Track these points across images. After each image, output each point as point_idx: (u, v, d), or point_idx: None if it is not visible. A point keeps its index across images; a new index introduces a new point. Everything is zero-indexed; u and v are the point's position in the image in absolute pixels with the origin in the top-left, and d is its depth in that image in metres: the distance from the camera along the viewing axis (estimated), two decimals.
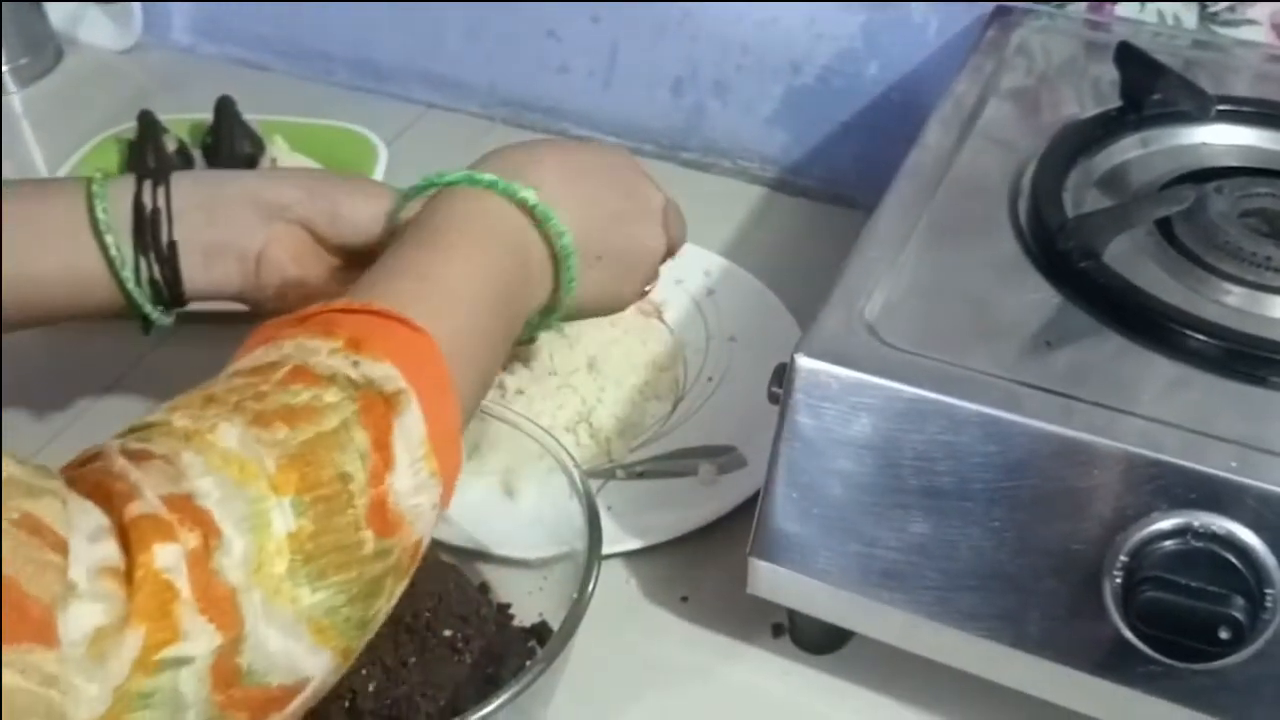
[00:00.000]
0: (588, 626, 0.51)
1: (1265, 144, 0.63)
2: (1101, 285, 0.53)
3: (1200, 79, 0.64)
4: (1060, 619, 0.49)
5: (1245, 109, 0.64)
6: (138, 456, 0.37)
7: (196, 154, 0.90)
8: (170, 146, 0.89)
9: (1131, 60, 0.64)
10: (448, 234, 0.50)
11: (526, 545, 0.60)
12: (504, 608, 0.58)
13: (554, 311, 0.55)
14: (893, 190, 0.61)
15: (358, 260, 0.62)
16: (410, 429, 0.41)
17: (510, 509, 0.64)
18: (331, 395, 0.40)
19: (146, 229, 0.58)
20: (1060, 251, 0.54)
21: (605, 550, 0.54)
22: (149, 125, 0.89)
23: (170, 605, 0.34)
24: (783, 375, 0.51)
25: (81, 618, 0.32)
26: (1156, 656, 0.46)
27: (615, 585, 0.62)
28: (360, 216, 0.60)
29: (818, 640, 0.59)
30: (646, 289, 0.60)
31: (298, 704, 0.39)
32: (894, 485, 0.50)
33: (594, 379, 0.70)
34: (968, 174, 0.62)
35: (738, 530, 0.59)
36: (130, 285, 0.58)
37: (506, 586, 0.60)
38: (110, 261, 0.57)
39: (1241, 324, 0.51)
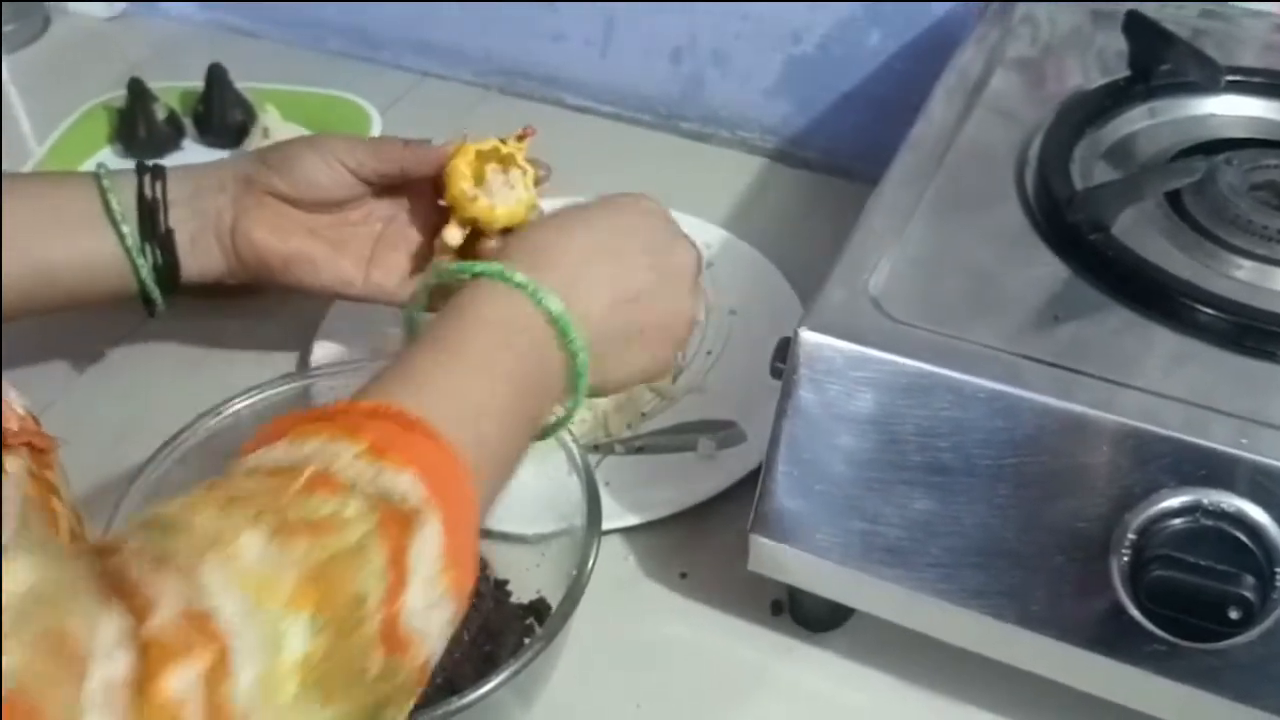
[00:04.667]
0: (586, 603, 0.50)
1: (1275, 115, 0.62)
2: (1110, 258, 0.52)
3: (1209, 49, 0.63)
4: (1066, 597, 0.48)
5: (1255, 80, 0.63)
6: (156, 563, 0.35)
7: (187, 122, 0.89)
8: (160, 115, 0.87)
9: (1140, 30, 0.63)
10: (474, 340, 0.48)
11: (524, 521, 0.60)
12: (501, 584, 0.58)
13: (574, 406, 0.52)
14: (897, 162, 0.60)
15: (342, 214, 0.66)
16: (427, 545, 0.39)
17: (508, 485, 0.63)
18: (352, 508, 0.38)
19: (148, 218, 0.62)
20: (1069, 224, 0.53)
21: (604, 526, 0.54)
22: (139, 94, 0.87)
23: None
24: (786, 350, 0.50)
25: None
26: (1164, 635, 0.46)
27: (614, 562, 0.61)
28: (312, 164, 0.64)
29: (818, 617, 0.58)
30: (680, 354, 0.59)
31: None
32: (897, 461, 0.49)
33: None
34: (973, 145, 0.61)
35: (737, 506, 0.58)
36: (143, 270, 0.62)
37: (504, 563, 0.59)
38: (127, 249, 0.62)
39: (1252, 298, 0.50)
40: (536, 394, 0.49)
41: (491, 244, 0.62)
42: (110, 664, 0.32)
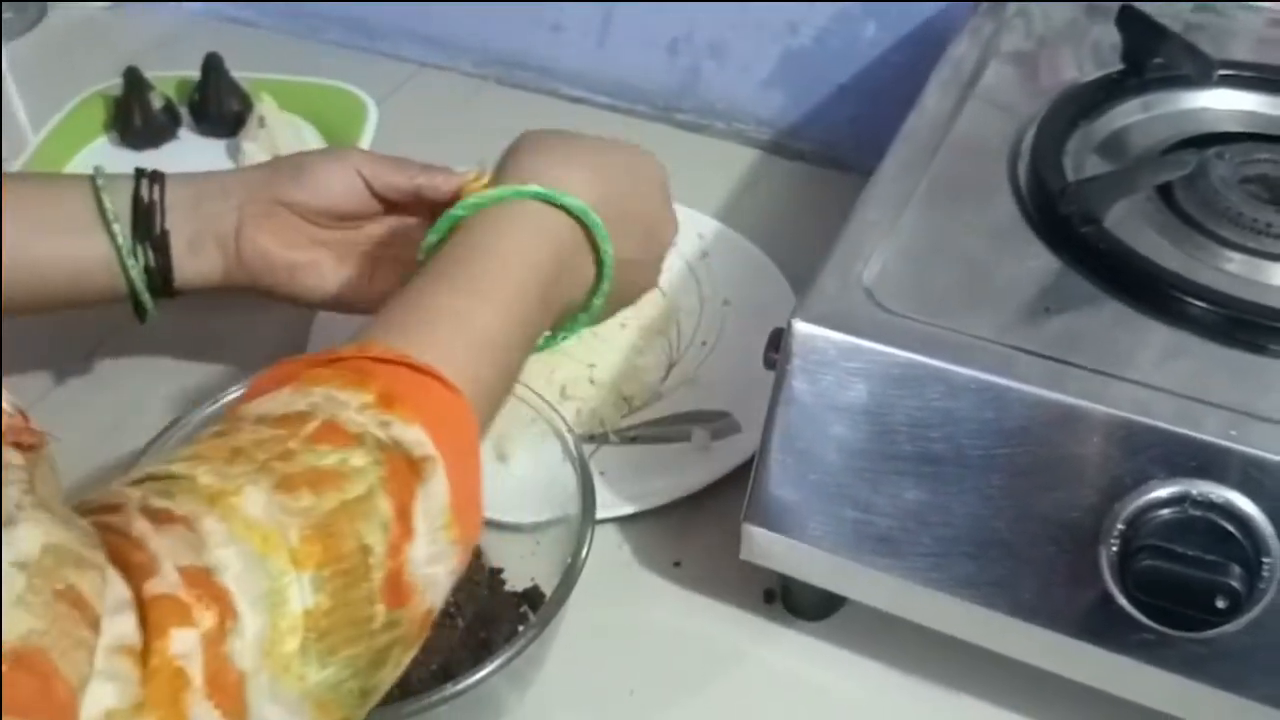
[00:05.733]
0: (579, 591, 0.51)
1: (1266, 109, 0.63)
2: (1102, 251, 0.52)
3: (1202, 43, 0.63)
4: (1056, 586, 0.48)
5: (1247, 74, 0.63)
6: (159, 518, 0.35)
7: (183, 112, 0.89)
8: (156, 104, 0.87)
9: (1133, 23, 0.64)
10: (485, 270, 0.49)
11: (519, 510, 0.60)
12: (496, 572, 0.58)
13: (583, 315, 0.56)
14: (891, 154, 0.60)
15: (347, 230, 0.64)
16: (434, 497, 0.40)
17: (503, 474, 0.63)
18: (359, 458, 0.39)
19: (143, 220, 0.61)
20: (1061, 216, 0.53)
21: (598, 515, 0.54)
22: (135, 83, 0.87)
23: (181, 694, 0.33)
24: (780, 340, 0.51)
25: (97, 699, 0.31)
26: (1152, 625, 0.46)
27: (607, 550, 0.62)
28: (330, 173, 0.62)
29: (810, 606, 0.58)
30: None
31: None
32: (890, 451, 0.50)
33: (586, 344, 0.69)
34: (967, 138, 0.61)
35: (731, 496, 0.59)
36: (134, 272, 0.61)
37: (498, 551, 0.60)
38: (118, 250, 0.61)
39: (1242, 291, 0.51)
40: (550, 301, 0.51)
41: None
42: (114, 625, 0.32)
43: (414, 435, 0.40)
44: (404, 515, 0.39)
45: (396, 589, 0.38)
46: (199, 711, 0.33)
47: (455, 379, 0.43)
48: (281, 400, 0.40)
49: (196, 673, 0.33)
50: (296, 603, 0.36)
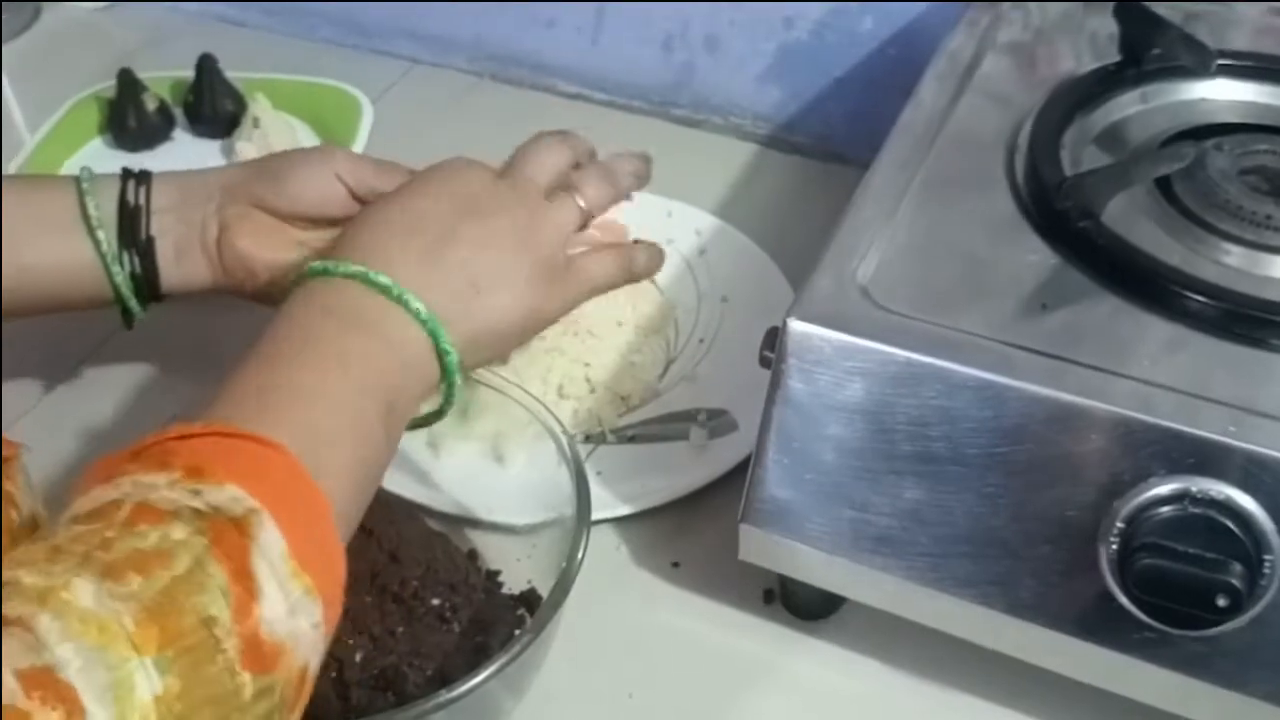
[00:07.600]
0: (577, 593, 0.51)
1: (1266, 100, 0.62)
2: (1100, 246, 0.52)
3: (1200, 33, 0.63)
4: (1055, 585, 0.48)
5: (1246, 64, 0.63)
6: None
7: (178, 113, 0.89)
8: (150, 105, 0.87)
9: (1131, 14, 0.63)
10: (292, 336, 0.48)
11: (515, 511, 0.60)
12: (493, 575, 0.58)
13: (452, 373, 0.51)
14: (887, 147, 0.60)
15: (332, 231, 0.61)
16: (270, 549, 0.38)
17: (499, 475, 0.63)
18: (179, 531, 0.37)
19: (128, 225, 0.60)
20: (1058, 211, 0.53)
21: (595, 516, 0.54)
22: (129, 84, 0.87)
23: None
24: (775, 339, 0.50)
25: None
26: (1152, 623, 0.46)
27: (605, 551, 0.61)
28: (308, 178, 0.60)
29: (809, 606, 0.58)
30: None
31: None
32: (887, 450, 0.49)
33: (582, 342, 0.69)
34: (963, 130, 0.60)
35: (729, 495, 0.58)
36: (118, 279, 0.60)
37: (495, 553, 0.59)
38: (102, 255, 0.59)
39: (1241, 284, 0.50)
40: (383, 367, 0.48)
41: None
42: None
43: (228, 494, 0.39)
44: (242, 576, 0.37)
45: (258, 653, 0.37)
46: None
47: (272, 431, 0.42)
48: (91, 498, 0.39)
49: None
50: (144, 690, 0.34)
